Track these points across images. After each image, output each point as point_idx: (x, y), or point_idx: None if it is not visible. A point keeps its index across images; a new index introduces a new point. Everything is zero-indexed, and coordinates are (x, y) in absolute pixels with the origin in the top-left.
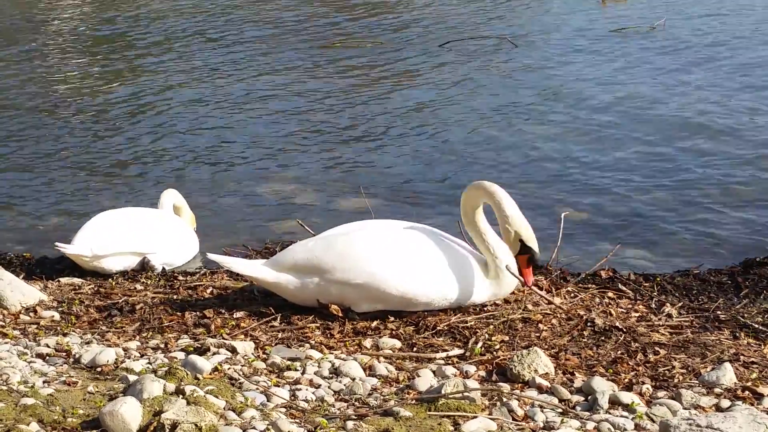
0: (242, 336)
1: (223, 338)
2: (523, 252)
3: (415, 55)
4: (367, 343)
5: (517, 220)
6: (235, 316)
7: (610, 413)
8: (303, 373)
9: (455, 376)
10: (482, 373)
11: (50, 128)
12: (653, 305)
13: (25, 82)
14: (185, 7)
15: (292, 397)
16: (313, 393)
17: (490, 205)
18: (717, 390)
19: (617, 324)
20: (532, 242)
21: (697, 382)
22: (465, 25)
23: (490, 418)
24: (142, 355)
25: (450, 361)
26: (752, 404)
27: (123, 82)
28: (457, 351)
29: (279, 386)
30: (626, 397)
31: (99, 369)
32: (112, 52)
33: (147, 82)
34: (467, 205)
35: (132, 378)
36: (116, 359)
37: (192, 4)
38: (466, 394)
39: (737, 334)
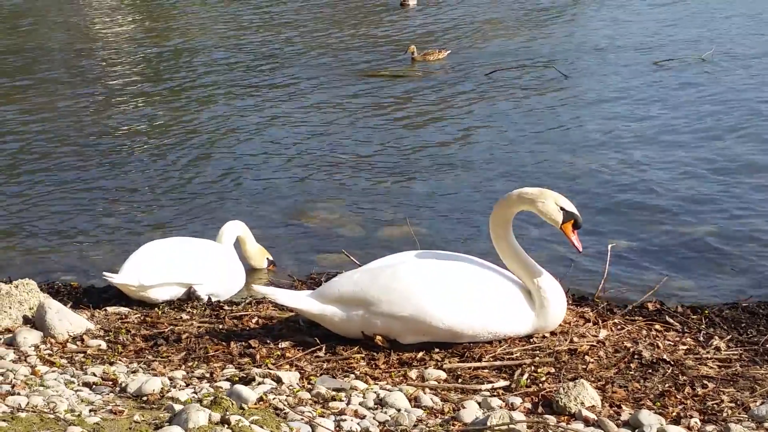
0: (287, 366)
1: (269, 368)
2: (566, 219)
3: (461, 84)
4: (413, 373)
5: (550, 191)
6: (280, 346)
7: None
8: (348, 403)
9: (501, 408)
10: (528, 405)
11: (99, 158)
12: (701, 338)
13: (75, 111)
14: (232, 38)
15: (337, 428)
16: (358, 424)
17: (526, 207)
18: (767, 424)
19: (665, 357)
20: (571, 206)
21: (746, 416)
22: (512, 54)
23: None
24: (187, 385)
25: (495, 393)
26: None
27: (170, 115)
28: (502, 383)
29: (324, 416)
30: (674, 430)
31: (145, 398)
32: (159, 81)
33: (192, 113)
34: (499, 223)
35: (177, 407)
36: (162, 388)
37: (240, 36)
38: (511, 426)
39: None
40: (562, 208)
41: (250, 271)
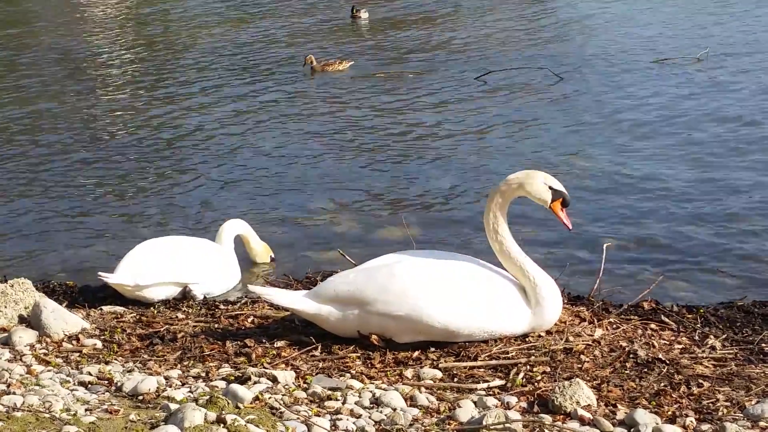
0: (283, 365)
1: (264, 367)
2: (554, 198)
3: (454, 87)
4: (408, 373)
5: (536, 171)
6: (276, 345)
7: None
8: (344, 402)
9: (496, 407)
10: (523, 404)
11: (95, 157)
12: (697, 337)
13: (70, 111)
14: (231, 39)
15: (333, 427)
16: (353, 423)
17: (517, 193)
18: (762, 423)
19: (660, 356)
20: (559, 185)
21: (741, 415)
22: (505, 56)
23: None
24: (183, 384)
25: (491, 392)
26: None
27: (166, 113)
28: (498, 382)
29: (320, 416)
30: (670, 429)
31: (140, 397)
32: (155, 81)
33: (189, 113)
34: (494, 219)
35: (173, 407)
36: (158, 388)
37: (237, 37)
38: (507, 425)
39: None
40: (550, 187)
41: (252, 268)
